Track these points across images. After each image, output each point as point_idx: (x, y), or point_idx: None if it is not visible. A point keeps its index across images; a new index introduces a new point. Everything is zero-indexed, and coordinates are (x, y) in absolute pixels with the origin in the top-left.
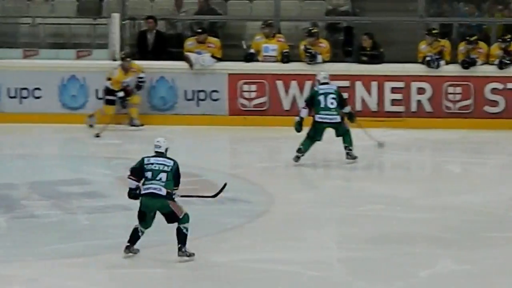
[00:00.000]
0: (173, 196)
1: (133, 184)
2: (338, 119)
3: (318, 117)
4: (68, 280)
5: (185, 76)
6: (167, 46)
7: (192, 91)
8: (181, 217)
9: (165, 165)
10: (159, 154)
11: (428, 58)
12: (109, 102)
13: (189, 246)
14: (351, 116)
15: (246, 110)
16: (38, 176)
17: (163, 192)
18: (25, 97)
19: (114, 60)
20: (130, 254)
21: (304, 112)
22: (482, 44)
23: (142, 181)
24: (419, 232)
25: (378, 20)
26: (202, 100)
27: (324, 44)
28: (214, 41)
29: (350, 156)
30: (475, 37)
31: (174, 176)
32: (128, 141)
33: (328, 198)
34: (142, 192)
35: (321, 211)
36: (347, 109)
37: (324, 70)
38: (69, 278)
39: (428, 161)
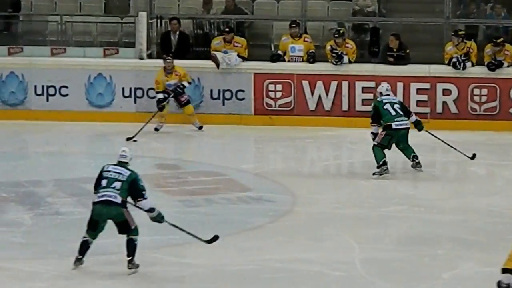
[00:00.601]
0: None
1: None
2: (409, 124)
3: (395, 125)
4: (93, 278)
5: (211, 75)
6: (191, 47)
7: (218, 90)
8: (132, 227)
9: (121, 174)
10: (120, 163)
11: (454, 60)
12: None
13: (215, 244)
14: (419, 124)
15: (271, 110)
16: (64, 174)
17: (119, 200)
18: (52, 95)
19: (141, 58)
20: (81, 266)
21: (375, 129)
22: (508, 46)
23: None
24: (442, 233)
25: (404, 21)
26: (228, 99)
27: (350, 44)
28: (240, 40)
29: (419, 165)
30: (501, 39)
31: (130, 187)
32: (154, 139)
33: (352, 199)
34: (96, 200)
35: (345, 212)
36: (413, 118)
37: (385, 82)
38: (93, 276)
39: (453, 163)
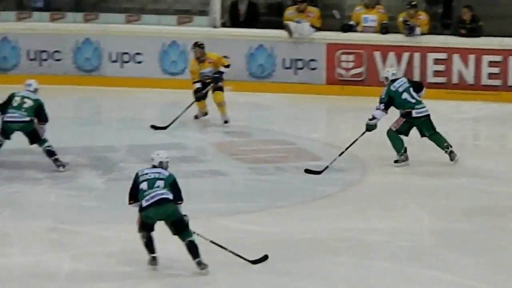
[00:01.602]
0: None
1: (138, 204)
2: (428, 111)
3: (415, 113)
4: (166, 243)
5: (284, 45)
6: (259, 16)
7: (290, 59)
8: (188, 225)
9: (160, 173)
10: (155, 167)
11: None
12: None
13: (282, 212)
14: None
15: (343, 80)
16: (136, 140)
17: (170, 196)
18: (126, 62)
19: (214, 27)
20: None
21: (379, 114)
22: None
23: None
24: (511, 206)
25: None
26: (300, 68)
27: (423, 16)
28: (313, 10)
29: (454, 154)
30: None
31: (171, 186)
32: (227, 107)
33: (422, 169)
34: (144, 204)
35: (415, 182)
36: (423, 92)
37: (390, 67)
38: (165, 240)
39: None
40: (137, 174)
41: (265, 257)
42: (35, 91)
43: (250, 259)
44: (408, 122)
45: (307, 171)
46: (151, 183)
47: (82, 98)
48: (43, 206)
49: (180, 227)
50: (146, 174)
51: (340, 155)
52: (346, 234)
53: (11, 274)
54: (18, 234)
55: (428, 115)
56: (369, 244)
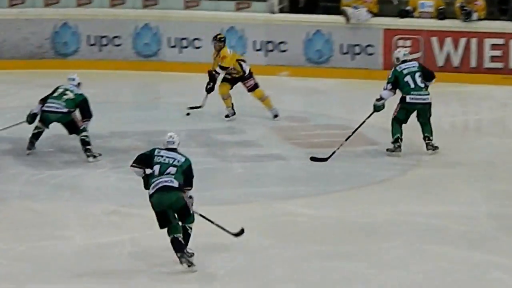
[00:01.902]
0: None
1: (140, 172)
2: (429, 99)
3: (409, 98)
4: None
5: (341, 30)
6: (319, 2)
7: (347, 45)
8: (191, 213)
9: (175, 159)
10: (171, 150)
11: None
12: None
13: (339, 196)
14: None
15: None
16: (195, 125)
17: (175, 184)
18: (185, 47)
19: (272, 13)
20: (192, 263)
21: (388, 94)
22: None
23: (148, 177)
24: None
25: None
26: (357, 54)
27: (480, 2)
28: None
29: (431, 146)
30: None
31: (184, 173)
32: (283, 92)
33: (480, 155)
34: (151, 191)
35: (472, 167)
36: (433, 82)
37: (402, 47)
38: (223, 223)
39: None
40: (154, 150)
41: (242, 231)
42: (78, 85)
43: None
44: (404, 109)
45: (313, 158)
46: (164, 168)
47: (141, 83)
48: (103, 189)
49: (183, 214)
50: (162, 156)
51: (346, 140)
52: (402, 218)
53: (72, 257)
54: (78, 217)
55: (428, 104)
56: (426, 228)
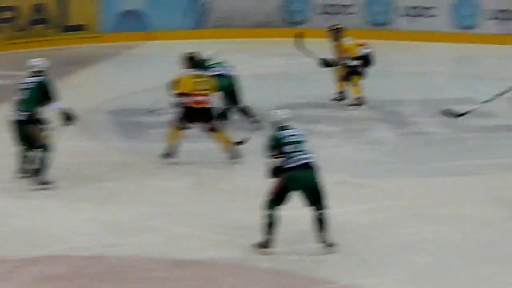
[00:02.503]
0: None
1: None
2: None
3: None
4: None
5: None
6: None
7: None
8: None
9: (302, 134)
10: (283, 127)
11: None
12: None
13: None
14: None
15: None
16: (428, 94)
17: (315, 162)
18: (417, 16)
19: None
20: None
21: None
22: None
23: (282, 157)
24: None
25: None
26: None
27: None
28: None
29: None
30: None
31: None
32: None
33: None
34: (291, 165)
35: None
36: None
37: None
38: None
39: None
40: (274, 135)
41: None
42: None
43: None
44: None
45: (445, 112)
46: (298, 143)
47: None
48: (334, 159)
49: (316, 197)
50: (289, 136)
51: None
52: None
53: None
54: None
55: None
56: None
